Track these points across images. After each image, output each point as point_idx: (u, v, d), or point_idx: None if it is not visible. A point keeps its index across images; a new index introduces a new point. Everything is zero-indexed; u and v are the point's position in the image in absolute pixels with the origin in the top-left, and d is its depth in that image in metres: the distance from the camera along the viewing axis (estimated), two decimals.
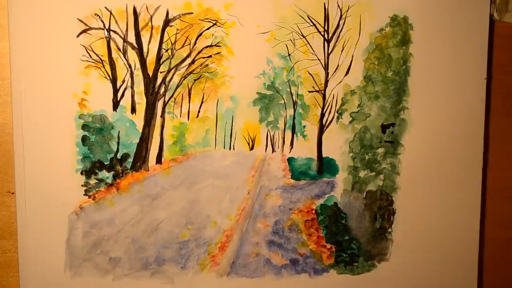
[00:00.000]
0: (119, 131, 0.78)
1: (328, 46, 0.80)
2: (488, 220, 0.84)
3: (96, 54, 0.77)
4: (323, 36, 0.80)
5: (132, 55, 0.78)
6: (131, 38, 0.77)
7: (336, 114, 0.81)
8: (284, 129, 0.81)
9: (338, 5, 0.79)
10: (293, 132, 0.81)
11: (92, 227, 0.79)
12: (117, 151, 0.79)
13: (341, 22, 0.79)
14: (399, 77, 0.81)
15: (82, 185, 0.78)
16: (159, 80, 0.78)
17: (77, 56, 0.76)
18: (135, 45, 0.77)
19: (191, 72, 0.79)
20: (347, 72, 0.80)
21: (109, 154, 0.79)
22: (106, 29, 0.77)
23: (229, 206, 0.81)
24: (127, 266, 0.79)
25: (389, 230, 0.83)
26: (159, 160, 0.80)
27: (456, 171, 0.82)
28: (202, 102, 0.79)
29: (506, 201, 0.85)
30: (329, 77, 0.80)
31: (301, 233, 0.82)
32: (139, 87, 0.78)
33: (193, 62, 0.79)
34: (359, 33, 0.80)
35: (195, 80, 0.79)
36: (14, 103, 0.76)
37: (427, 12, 0.80)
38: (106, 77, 0.77)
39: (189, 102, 0.79)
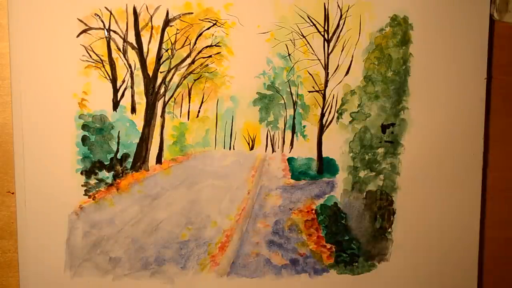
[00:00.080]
0: (119, 131, 0.78)
1: (328, 46, 0.80)
2: (488, 220, 0.84)
3: (96, 54, 0.77)
4: (323, 36, 0.80)
5: (132, 55, 0.78)
6: (131, 38, 0.77)
7: (336, 114, 0.81)
8: (284, 129, 0.81)
9: (338, 5, 0.79)
10: (293, 132, 0.81)
11: (92, 227, 0.79)
12: (117, 151, 0.79)
13: (341, 22, 0.79)
14: (399, 77, 0.81)
15: (82, 185, 0.78)
16: (159, 80, 0.78)
17: (77, 56, 0.76)
18: (135, 45, 0.77)
19: (191, 72, 0.79)
20: (347, 72, 0.80)
21: (109, 154, 0.79)
22: (106, 29, 0.77)
23: (229, 206, 0.81)
24: (127, 266, 0.80)
25: (389, 230, 0.83)
26: (159, 160, 0.80)
27: (456, 171, 0.82)
28: (202, 102, 0.79)
29: (506, 201, 0.85)
30: (329, 77, 0.80)
31: (301, 233, 0.82)
32: (139, 87, 0.78)
33: (193, 62, 0.79)
34: (359, 33, 0.80)
35: (195, 80, 0.79)
36: (14, 103, 0.76)
37: (427, 12, 0.80)
38: (106, 77, 0.77)
39: (189, 102, 0.79)
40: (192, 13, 0.77)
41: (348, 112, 0.81)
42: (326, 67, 0.80)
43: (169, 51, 0.78)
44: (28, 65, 0.75)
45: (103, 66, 0.77)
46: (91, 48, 0.76)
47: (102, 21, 0.76)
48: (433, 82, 0.81)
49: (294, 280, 0.82)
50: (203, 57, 0.79)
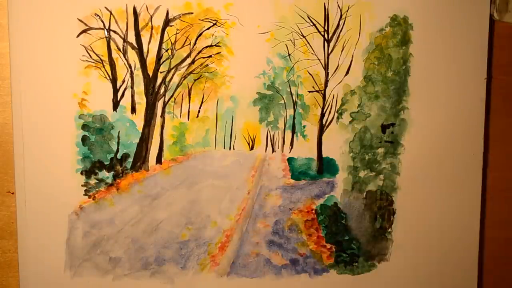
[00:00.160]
0: (119, 131, 0.78)
1: (328, 46, 0.80)
2: (488, 220, 0.84)
3: (96, 54, 0.77)
4: (323, 36, 0.80)
5: (132, 55, 0.78)
6: (131, 38, 0.77)
7: (336, 114, 0.81)
8: (284, 129, 0.81)
9: (338, 5, 0.79)
10: (293, 132, 0.81)
11: (92, 227, 0.79)
12: (117, 151, 0.79)
13: (341, 22, 0.79)
14: (399, 77, 0.81)
15: (82, 185, 0.78)
16: (159, 80, 0.78)
17: (77, 56, 0.76)
18: (135, 45, 0.77)
19: (191, 72, 0.79)
20: (347, 72, 0.80)
21: (109, 154, 0.79)
22: (106, 29, 0.77)
23: (229, 206, 0.81)
24: (127, 266, 0.80)
25: (389, 230, 0.83)
26: (159, 160, 0.80)
27: (456, 171, 0.82)
28: (202, 102, 0.79)
29: (506, 201, 0.85)
30: (329, 77, 0.80)
31: (301, 233, 0.82)
32: (139, 87, 0.78)
33: (193, 62, 0.79)
34: (359, 33, 0.80)
35: (195, 80, 0.79)
36: (14, 103, 0.76)
37: (427, 12, 0.80)
38: (106, 77, 0.77)
39: (189, 102, 0.79)
40: (192, 13, 0.77)
41: (348, 112, 0.81)
42: (326, 67, 0.80)
43: (169, 51, 0.78)
44: (28, 65, 0.75)
45: (103, 66, 0.77)
46: (91, 48, 0.76)
47: (102, 21, 0.76)
48: (433, 82, 0.81)
49: (294, 280, 0.82)
50: (203, 57, 0.79)
